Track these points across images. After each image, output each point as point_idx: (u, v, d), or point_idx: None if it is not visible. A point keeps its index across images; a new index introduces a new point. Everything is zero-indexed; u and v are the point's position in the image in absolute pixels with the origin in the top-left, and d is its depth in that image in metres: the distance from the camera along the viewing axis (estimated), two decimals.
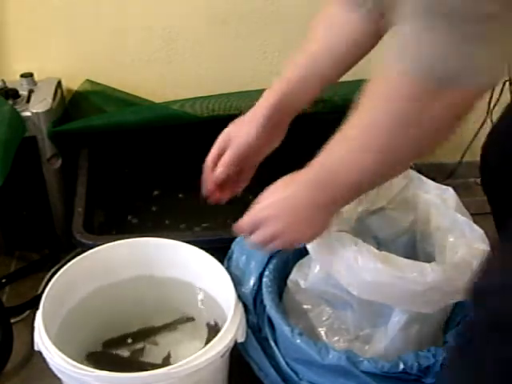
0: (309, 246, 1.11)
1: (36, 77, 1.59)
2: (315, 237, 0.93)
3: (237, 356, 1.16)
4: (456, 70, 0.63)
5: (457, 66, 0.63)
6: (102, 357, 1.27)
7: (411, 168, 1.29)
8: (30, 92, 1.56)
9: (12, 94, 1.51)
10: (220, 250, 1.24)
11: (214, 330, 1.23)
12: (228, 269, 1.19)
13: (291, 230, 0.89)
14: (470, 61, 0.62)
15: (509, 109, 1.23)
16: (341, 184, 0.82)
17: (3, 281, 1.58)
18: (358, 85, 0.81)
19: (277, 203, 0.88)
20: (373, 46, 0.97)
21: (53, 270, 1.53)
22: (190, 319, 1.32)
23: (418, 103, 0.68)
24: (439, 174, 1.89)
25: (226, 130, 1.02)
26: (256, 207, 0.90)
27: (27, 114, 1.49)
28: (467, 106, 0.69)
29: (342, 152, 0.80)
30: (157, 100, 1.68)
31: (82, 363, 0.99)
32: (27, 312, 1.48)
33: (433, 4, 0.60)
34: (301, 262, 1.24)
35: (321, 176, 0.83)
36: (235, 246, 1.24)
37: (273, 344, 1.16)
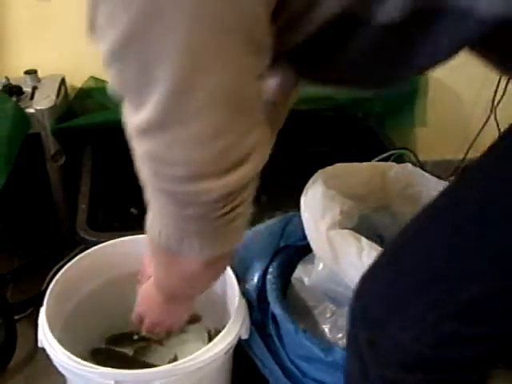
0: (312, 243, 1.11)
1: (40, 74, 1.59)
2: (183, 320, 1.07)
3: (241, 353, 1.16)
4: (182, 247, 0.76)
5: (181, 244, 0.75)
6: (106, 354, 1.27)
7: (415, 165, 1.29)
8: (34, 89, 1.55)
9: (16, 90, 1.51)
10: None
11: (216, 331, 1.23)
12: (232, 266, 1.19)
13: (162, 320, 1.02)
14: (192, 241, 0.75)
15: None
16: (169, 292, 0.95)
17: (7, 277, 1.58)
18: None
19: (145, 302, 1.02)
20: None
21: (56, 267, 1.53)
22: (198, 317, 1.32)
23: (168, 261, 0.83)
24: (444, 170, 1.89)
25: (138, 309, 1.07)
26: (136, 306, 1.04)
27: (31, 110, 1.49)
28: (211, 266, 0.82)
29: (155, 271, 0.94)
30: None
31: (85, 360, 0.99)
32: (31, 309, 1.48)
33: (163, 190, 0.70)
34: (305, 259, 1.24)
35: (156, 283, 0.96)
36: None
37: (277, 341, 1.16)
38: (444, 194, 0.82)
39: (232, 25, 0.58)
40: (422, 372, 0.79)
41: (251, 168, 0.67)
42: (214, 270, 0.86)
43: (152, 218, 0.78)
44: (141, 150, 0.65)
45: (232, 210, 0.70)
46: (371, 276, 0.85)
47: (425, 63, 0.71)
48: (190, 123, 0.61)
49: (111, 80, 0.63)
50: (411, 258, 0.80)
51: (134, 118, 0.63)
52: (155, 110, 0.60)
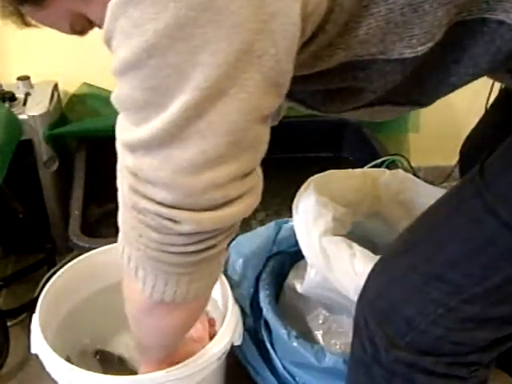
0: (304, 250, 1.11)
1: (33, 80, 1.59)
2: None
3: (233, 359, 1.16)
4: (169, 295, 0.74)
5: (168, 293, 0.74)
6: (99, 358, 1.27)
7: (407, 171, 1.29)
8: (27, 95, 1.55)
9: (9, 96, 1.51)
10: None
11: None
12: (225, 272, 1.19)
13: None
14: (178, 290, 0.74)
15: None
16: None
17: (0, 284, 1.58)
18: None
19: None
20: None
21: (49, 273, 1.52)
22: None
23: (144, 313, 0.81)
24: (436, 177, 1.89)
25: None
26: None
27: (24, 116, 1.48)
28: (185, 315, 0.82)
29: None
30: None
31: (78, 366, 0.99)
32: (24, 315, 1.48)
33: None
34: (297, 265, 1.24)
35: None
36: (232, 249, 1.24)
37: (269, 347, 1.16)
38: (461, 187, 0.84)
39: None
40: (438, 355, 0.80)
41: (234, 212, 0.65)
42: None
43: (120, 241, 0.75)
44: (127, 163, 0.64)
45: (204, 250, 0.69)
46: (386, 263, 0.85)
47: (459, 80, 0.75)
48: (187, 148, 0.60)
49: (118, 90, 0.62)
50: (428, 247, 0.81)
51: (130, 133, 0.62)
52: (161, 128, 0.59)
